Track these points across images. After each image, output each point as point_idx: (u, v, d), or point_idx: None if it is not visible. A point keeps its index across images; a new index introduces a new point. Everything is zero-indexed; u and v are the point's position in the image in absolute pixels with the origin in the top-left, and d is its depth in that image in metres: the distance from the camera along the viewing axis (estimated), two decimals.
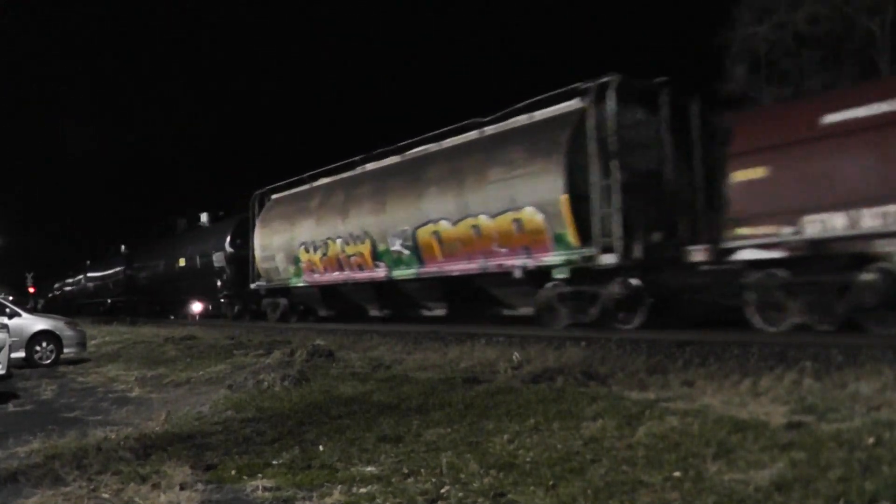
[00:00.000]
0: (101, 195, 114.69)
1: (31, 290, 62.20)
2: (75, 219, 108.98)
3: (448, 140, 16.46)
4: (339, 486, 4.62)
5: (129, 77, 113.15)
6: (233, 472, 5.13)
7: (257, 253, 22.63)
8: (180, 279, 31.93)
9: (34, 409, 8.95)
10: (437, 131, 16.51)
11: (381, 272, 17.44)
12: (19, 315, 14.46)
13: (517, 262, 13.75)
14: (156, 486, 4.84)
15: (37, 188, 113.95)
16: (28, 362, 14.00)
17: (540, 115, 14.16)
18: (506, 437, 5.34)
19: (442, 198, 15.43)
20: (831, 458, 4.17)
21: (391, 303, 18.47)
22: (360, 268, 18.13)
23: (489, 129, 15.34)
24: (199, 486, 4.86)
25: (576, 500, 3.97)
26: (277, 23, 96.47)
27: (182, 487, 4.81)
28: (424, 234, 15.85)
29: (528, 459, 4.78)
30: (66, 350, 14.59)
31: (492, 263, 14.30)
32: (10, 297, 33.34)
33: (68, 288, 61.78)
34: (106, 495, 4.79)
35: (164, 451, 5.75)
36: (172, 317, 35.16)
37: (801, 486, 3.80)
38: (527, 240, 13.48)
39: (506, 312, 15.18)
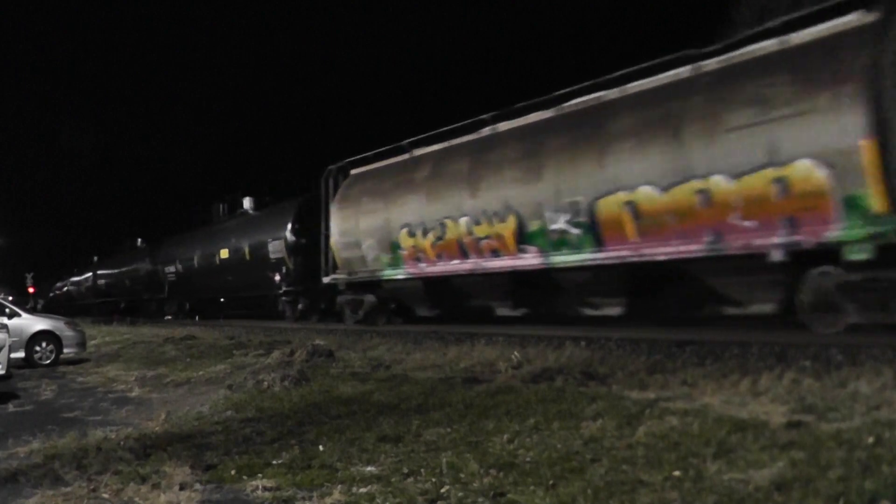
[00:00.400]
0: (105, 191, 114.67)
1: (31, 290, 61.58)
2: (78, 216, 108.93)
3: (638, 83, 12.42)
4: (339, 486, 4.62)
5: (132, 71, 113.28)
6: (232, 472, 5.13)
7: (335, 239, 18.49)
8: (223, 274, 27.40)
9: (34, 410, 8.95)
10: (614, 74, 12.71)
11: (530, 258, 13.39)
12: (19, 315, 14.49)
13: (775, 240, 9.89)
14: (156, 486, 4.84)
15: (37, 187, 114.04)
16: (28, 362, 14.01)
17: (801, 37, 10.44)
18: (506, 436, 5.34)
19: (642, 156, 11.46)
20: (831, 457, 4.16)
21: (534, 299, 14.43)
22: (496, 253, 14.06)
23: (711, 63, 11.43)
24: (199, 486, 4.87)
25: (576, 499, 3.97)
26: (280, 17, 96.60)
27: (182, 487, 4.81)
28: (610, 206, 11.89)
29: (528, 459, 4.78)
30: (65, 350, 14.62)
31: (733, 243, 10.37)
32: (10, 298, 33.36)
33: (73, 287, 57.27)
34: (106, 495, 4.79)
35: (163, 451, 5.75)
36: (198, 316, 32.09)
37: (801, 486, 3.80)
38: (794, 206, 9.78)
39: (729, 311, 11.38)
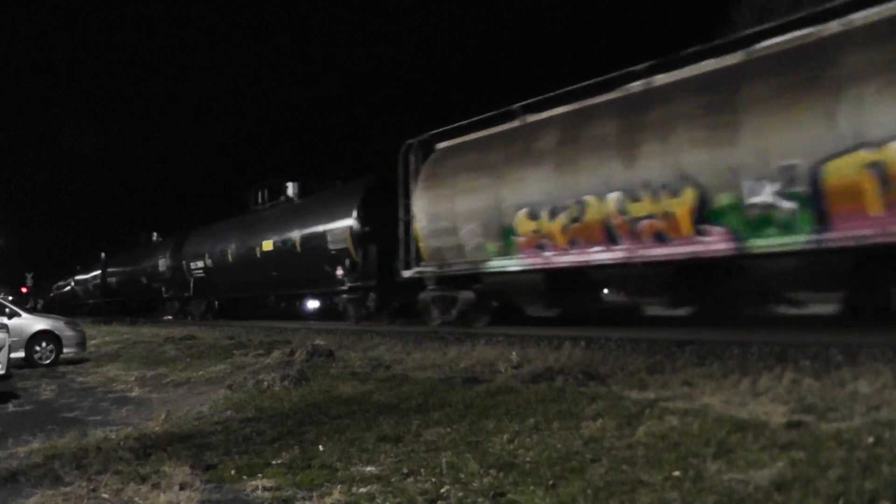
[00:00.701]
0: (105, 191, 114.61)
1: (24, 290, 61.05)
2: (78, 216, 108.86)
3: (868, 12, 9.56)
4: (339, 486, 4.63)
5: (132, 71, 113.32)
6: (232, 472, 5.13)
7: (421, 225, 15.56)
8: (265, 268, 23.92)
9: (34, 409, 8.95)
10: (829, 5, 9.95)
11: (714, 243, 10.49)
12: (19, 315, 14.49)
13: None
14: (156, 486, 4.84)
15: (37, 187, 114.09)
16: (28, 362, 14.02)
17: None
18: (506, 436, 5.34)
19: None
20: (831, 457, 4.16)
21: (705, 294, 11.79)
22: (661, 237, 11.11)
23: None
24: (199, 486, 4.87)
25: (576, 499, 3.97)
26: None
27: (182, 487, 4.81)
28: (844, 169, 9.09)
29: (528, 459, 4.78)
30: (65, 350, 14.62)
31: None
32: (10, 298, 33.34)
33: (78, 286, 53.88)
34: (106, 495, 4.79)
35: (163, 451, 5.76)
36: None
37: (801, 486, 3.80)
38: None
39: None
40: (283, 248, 22.80)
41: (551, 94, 13.58)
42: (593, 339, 9.88)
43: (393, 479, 4.64)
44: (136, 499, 4.68)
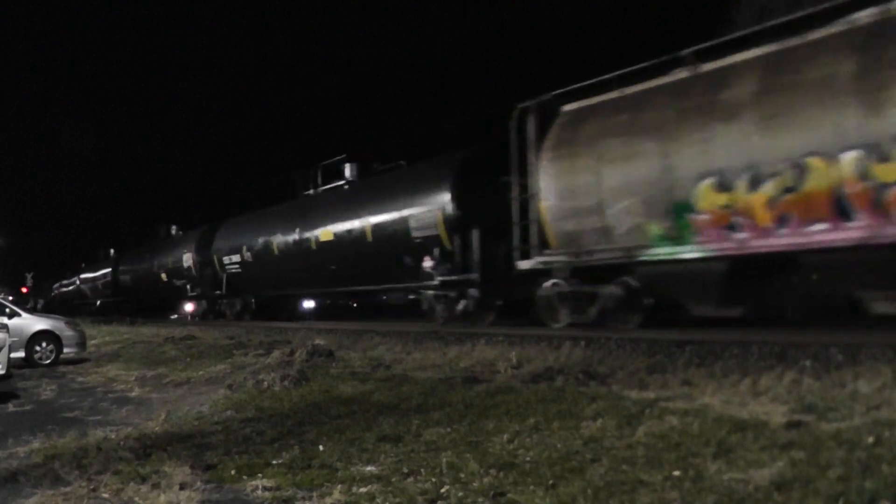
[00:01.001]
0: (105, 191, 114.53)
1: (24, 290, 60.98)
2: (78, 216, 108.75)
3: None
4: (339, 486, 4.63)
5: (132, 71, 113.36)
6: (232, 472, 5.13)
7: (548, 204, 12.86)
8: (322, 262, 20.70)
9: (34, 409, 8.96)
10: None
11: None
12: (19, 315, 14.50)
13: None
14: (156, 486, 4.85)
15: (37, 187, 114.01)
16: (28, 362, 14.03)
17: None
18: (506, 436, 5.34)
19: None
20: (831, 457, 4.16)
21: None
22: None
23: None
24: (199, 486, 4.88)
25: (576, 499, 3.97)
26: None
27: (182, 487, 4.82)
28: None
29: (528, 459, 4.78)
30: (65, 350, 14.64)
31: None
32: (11, 298, 33.30)
33: (85, 285, 51.16)
34: (106, 495, 4.79)
35: (163, 451, 5.76)
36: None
37: (801, 486, 3.80)
38: None
39: None
40: (348, 238, 19.68)
41: (737, 34, 11.27)
42: (593, 339, 9.88)
43: (393, 479, 4.65)
44: (136, 499, 4.68)
